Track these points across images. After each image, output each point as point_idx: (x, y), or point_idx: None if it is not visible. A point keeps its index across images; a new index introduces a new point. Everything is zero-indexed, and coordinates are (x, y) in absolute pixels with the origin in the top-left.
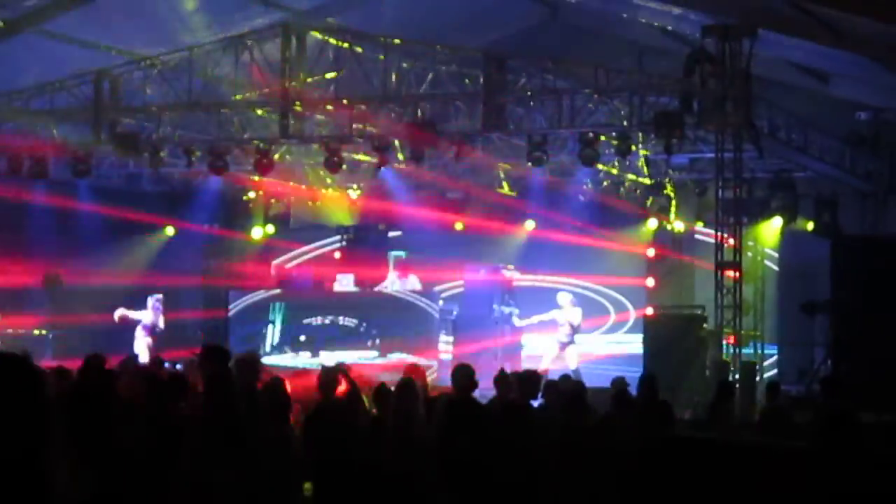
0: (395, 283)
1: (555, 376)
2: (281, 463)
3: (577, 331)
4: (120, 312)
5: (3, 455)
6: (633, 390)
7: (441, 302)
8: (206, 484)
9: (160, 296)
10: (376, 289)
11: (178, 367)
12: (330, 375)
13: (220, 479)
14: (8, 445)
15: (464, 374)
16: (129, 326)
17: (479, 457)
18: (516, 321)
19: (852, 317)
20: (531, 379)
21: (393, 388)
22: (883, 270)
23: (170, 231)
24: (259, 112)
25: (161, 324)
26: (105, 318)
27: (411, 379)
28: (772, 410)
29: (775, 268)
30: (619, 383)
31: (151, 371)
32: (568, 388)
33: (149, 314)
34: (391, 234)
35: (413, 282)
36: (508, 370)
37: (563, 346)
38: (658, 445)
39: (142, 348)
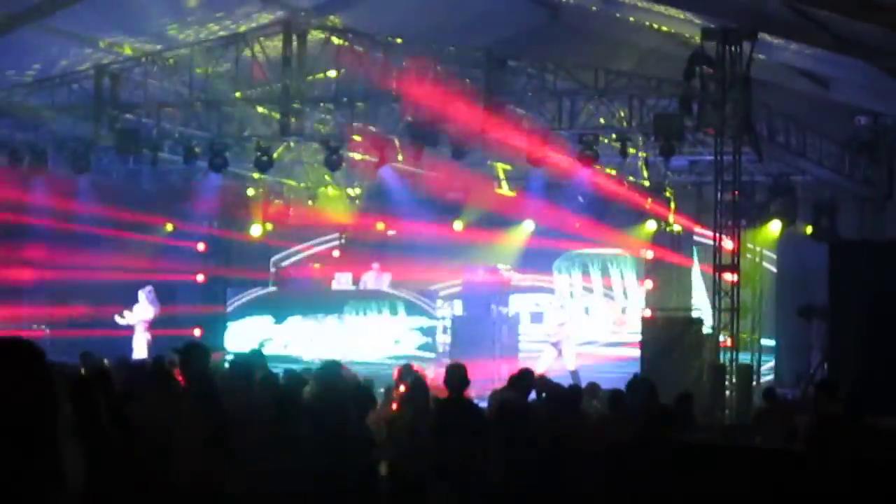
0: (370, 280)
1: (554, 377)
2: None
3: (575, 332)
4: (124, 320)
5: (19, 435)
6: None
7: (439, 302)
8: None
9: (151, 287)
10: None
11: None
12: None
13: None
14: (22, 425)
15: (456, 374)
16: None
17: (471, 457)
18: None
19: (849, 321)
20: (524, 377)
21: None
22: (881, 275)
23: (169, 228)
24: (259, 110)
25: (154, 316)
26: (102, 312)
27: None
28: (768, 414)
29: (773, 271)
30: (591, 388)
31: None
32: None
33: (144, 308)
34: (390, 232)
35: (385, 278)
36: (506, 371)
37: (558, 346)
38: (651, 448)
39: (141, 344)
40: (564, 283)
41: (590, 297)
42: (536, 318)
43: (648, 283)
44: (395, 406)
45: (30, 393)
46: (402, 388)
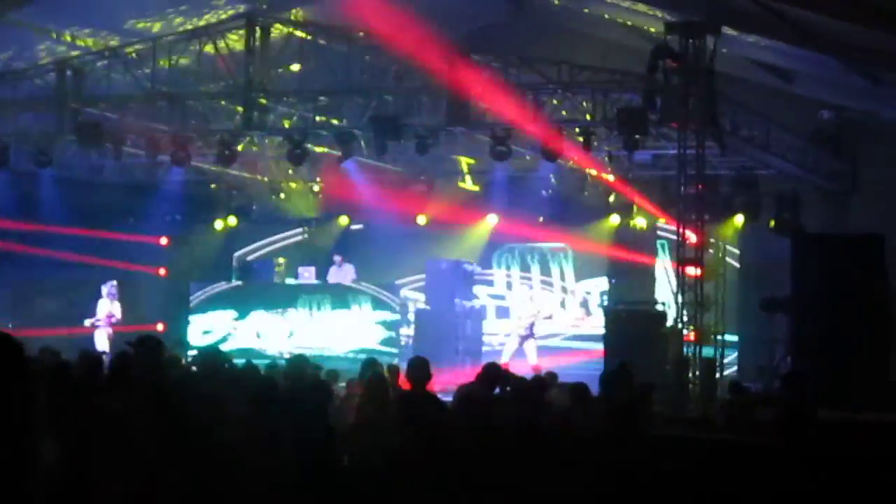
0: (333, 274)
1: (516, 370)
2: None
3: (536, 325)
4: (89, 322)
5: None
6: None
7: (402, 296)
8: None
9: (115, 282)
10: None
11: None
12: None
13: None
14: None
15: (419, 367)
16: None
17: (434, 451)
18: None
19: (812, 314)
20: (490, 371)
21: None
22: (843, 269)
23: (131, 222)
24: (222, 103)
25: (118, 313)
26: (64, 307)
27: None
28: (733, 407)
29: (737, 265)
30: (549, 378)
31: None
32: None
33: (106, 304)
34: (353, 226)
35: (348, 272)
36: (469, 364)
37: (523, 339)
38: (618, 442)
39: (102, 339)
40: (502, 276)
41: (527, 290)
42: (502, 312)
43: (603, 279)
44: (356, 400)
45: (11, 385)
46: (363, 382)
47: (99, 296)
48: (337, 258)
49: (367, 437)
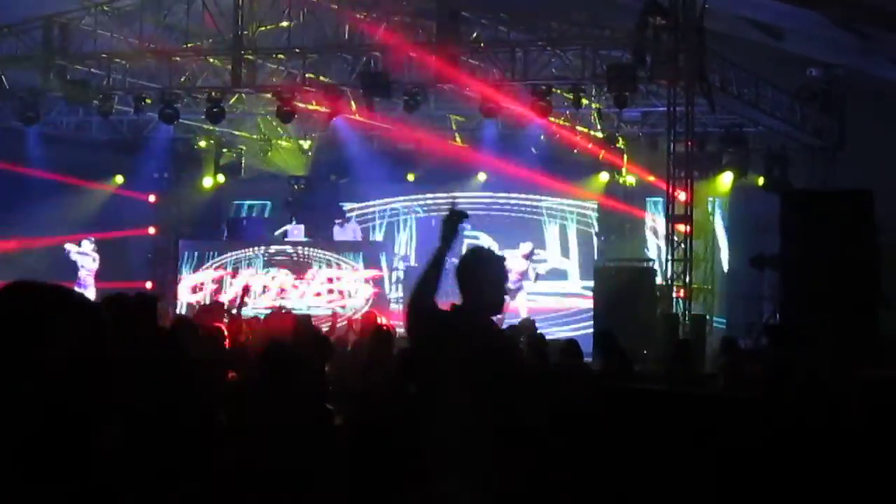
0: (337, 233)
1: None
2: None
3: (526, 279)
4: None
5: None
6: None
7: (393, 253)
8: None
9: (93, 238)
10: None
11: None
12: None
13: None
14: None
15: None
16: (72, 269)
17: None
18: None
19: (801, 270)
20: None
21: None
22: (832, 225)
23: (119, 179)
24: (211, 60)
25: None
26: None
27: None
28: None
29: (726, 222)
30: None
31: None
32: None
33: (90, 259)
34: (342, 183)
35: (351, 229)
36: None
37: (513, 294)
38: (607, 396)
39: (91, 297)
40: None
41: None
42: None
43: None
44: (351, 357)
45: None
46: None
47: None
48: (338, 220)
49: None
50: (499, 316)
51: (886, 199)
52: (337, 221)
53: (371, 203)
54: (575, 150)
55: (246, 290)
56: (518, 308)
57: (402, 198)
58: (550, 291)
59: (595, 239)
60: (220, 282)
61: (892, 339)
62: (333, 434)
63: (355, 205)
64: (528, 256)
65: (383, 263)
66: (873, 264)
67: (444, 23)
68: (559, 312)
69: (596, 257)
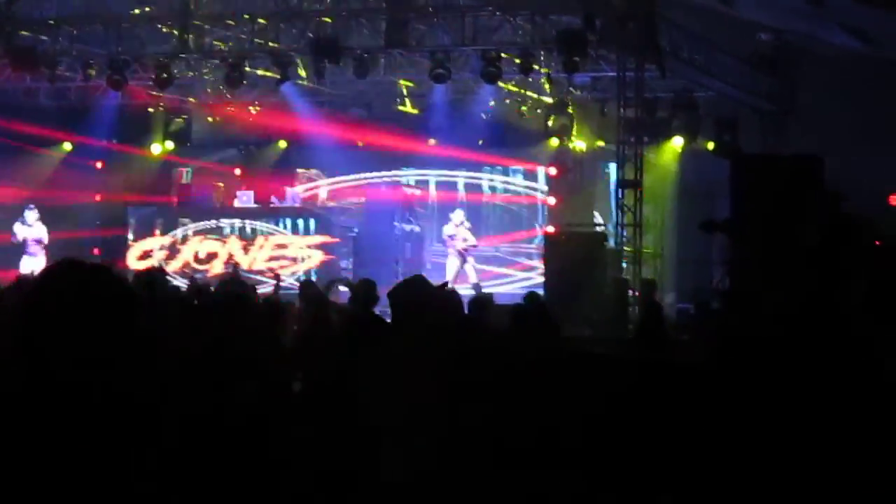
0: (298, 198)
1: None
2: None
3: (474, 246)
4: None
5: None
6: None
7: (341, 219)
8: None
9: (33, 206)
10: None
11: None
12: None
13: None
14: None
15: (364, 289)
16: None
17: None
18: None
19: (751, 235)
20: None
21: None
22: (782, 189)
23: (67, 146)
24: (159, 26)
25: (45, 236)
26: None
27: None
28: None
29: (676, 187)
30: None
31: None
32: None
33: (34, 226)
34: (292, 150)
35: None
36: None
37: (463, 261)
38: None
39: (40, 265)
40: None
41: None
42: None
43: (551, 200)
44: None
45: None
46: (302, 305)
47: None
48: (285, 188)
49: (310, 357)
50: (451, 283)
51: (836, 165)
52: (284, 189)
53: (321, 169)
54: (525, 116)
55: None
56: (468, 274)
57: (352, 163)
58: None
59: (545, 206)
60: (170, 248)
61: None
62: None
63: (305, 171)
64: (461, 224)
65: (333, 230)
66: (823, 230)
67: None
68: (509, 278)
69: (547, 221)
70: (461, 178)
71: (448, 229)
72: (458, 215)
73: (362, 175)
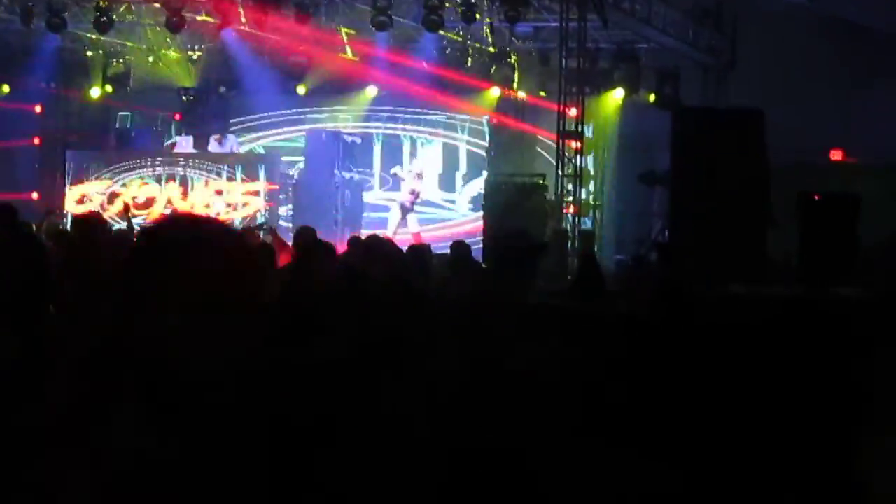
0: (216, 145)
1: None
2: None
3: (418, 197)
4: None
5: None
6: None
7: (282, 165)
8: None
9: None
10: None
11: None
12: None
13: None
14: None
15: (306, 237)
16: None
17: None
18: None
19: (690, 188)
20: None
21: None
22: (722, 142)
23: (5, 89)
24: None
25: None
26: None
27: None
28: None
29: (616, 138)
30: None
31: None
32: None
33: None
34: (232, 96)
35: (230, 144)
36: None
37: (405, 212)
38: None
39: None
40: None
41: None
42: (384, 182)
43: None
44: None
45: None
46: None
47: None
48: (215, 136)
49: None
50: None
51: (777, 119)
52: (214, 137)
53: (261, 115)
54: (467, 65)
55: (126, 207)
56: (409, 226)
57: (292, 111)
58: (440, 217)
59: (486, 156)
60: (108, 193)
61: (779, 257)
62: None
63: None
64: (420, 177)
65: (267, 175)
66: (762, 183)
67: None
68: (448, 226)
69: (487, 171)
70: (402, 131)
71: (399, 171)
72: (416, 164)
73: (302, 127)
